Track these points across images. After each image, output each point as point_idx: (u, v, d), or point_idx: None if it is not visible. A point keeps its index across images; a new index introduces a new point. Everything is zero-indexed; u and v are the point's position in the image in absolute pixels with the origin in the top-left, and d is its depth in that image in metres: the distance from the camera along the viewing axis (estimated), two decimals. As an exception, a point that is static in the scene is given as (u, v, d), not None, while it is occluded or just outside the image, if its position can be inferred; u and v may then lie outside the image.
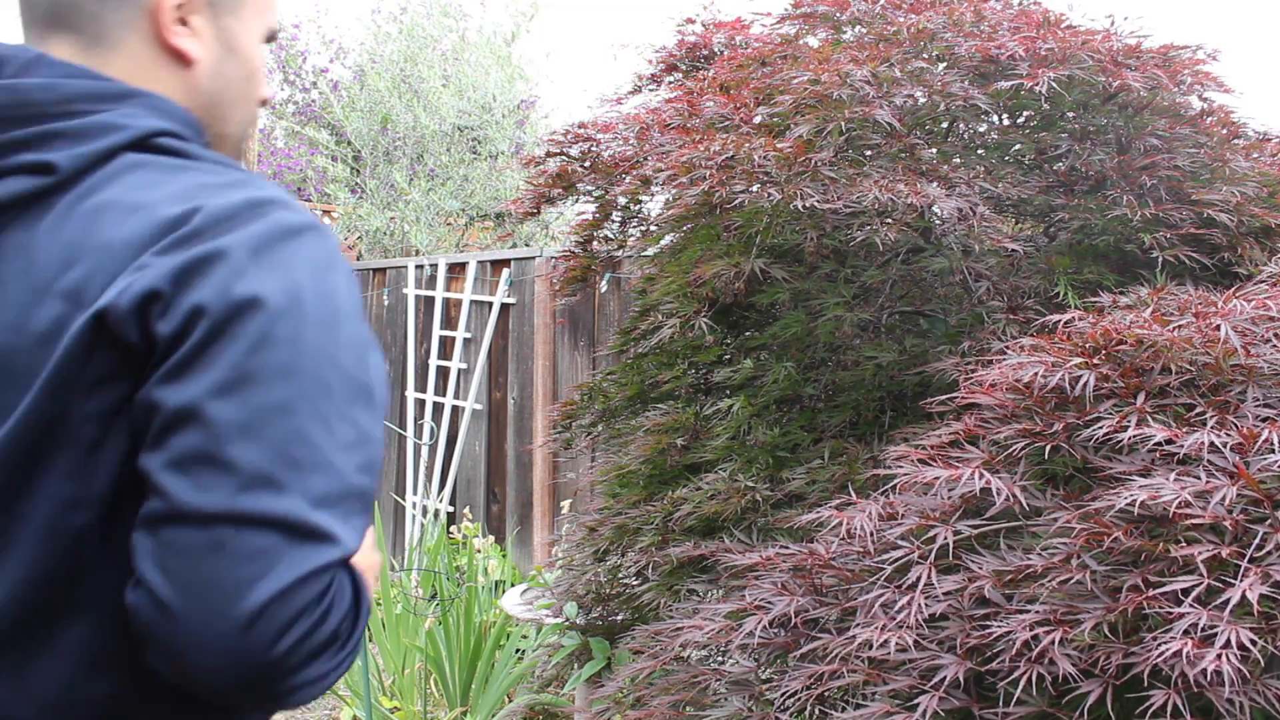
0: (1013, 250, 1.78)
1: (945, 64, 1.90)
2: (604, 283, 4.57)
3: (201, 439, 0.71)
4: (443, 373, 5.56)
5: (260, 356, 0.73)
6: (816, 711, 1.45)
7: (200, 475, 0.70)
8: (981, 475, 1.27)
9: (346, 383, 0.78)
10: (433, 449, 5.49)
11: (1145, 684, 1.04)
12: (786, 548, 1.50)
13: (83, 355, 0.73)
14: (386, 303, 5.93)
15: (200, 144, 0.88)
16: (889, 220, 1.75)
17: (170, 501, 0.70)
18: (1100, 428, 1.23)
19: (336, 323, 0.79)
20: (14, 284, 0.77)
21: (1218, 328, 1.28)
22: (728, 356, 2.34)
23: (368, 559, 0.89)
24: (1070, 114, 1.96)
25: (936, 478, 1.30)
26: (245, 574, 0.70)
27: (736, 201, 1.70)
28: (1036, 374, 1.32)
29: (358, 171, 7.46)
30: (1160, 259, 1.72)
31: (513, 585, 4.00)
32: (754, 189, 1.70)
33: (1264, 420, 1.18)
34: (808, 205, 1.64)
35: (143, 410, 0.73)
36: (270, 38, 0.98)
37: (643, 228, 2.50)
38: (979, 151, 2.06)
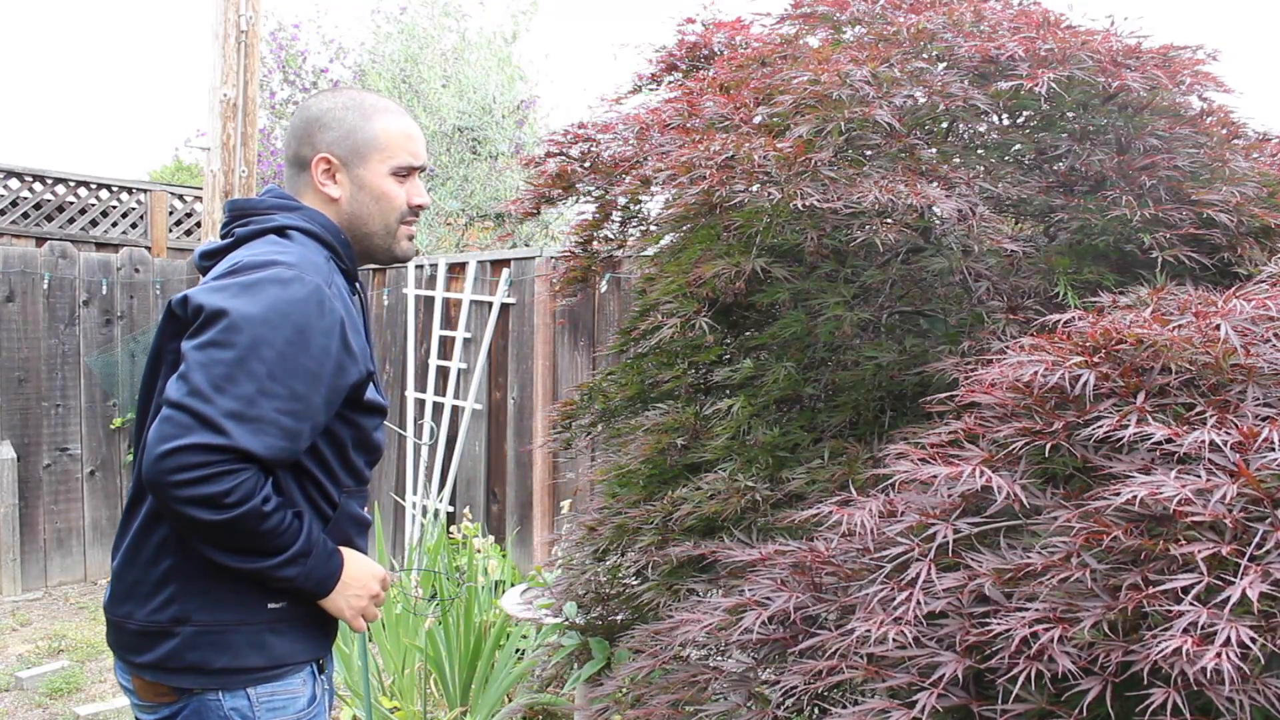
0: (1012, 250, 1.78)
1: (945, 64, 1.90)
2: (604, 283, 4.57)
3: (183, 367, 1.39)
4: (443, 373, 5.56)
5: (222, 336, 1.39)
6: (815, 708, 1.44)
7: (176, 382, 1.38)
8: (982, 473, 1.27)
9: (285, 364, 1.40)
10: (433, 449, 5.49)
11: (1145, 682, 1.04)
12: (786, 545, 1.50)
13: (169, 320, 1.51)
14: (386, 303, 5.93)
15: (334, 240, 1.60)
16: (889, 220, 1.75)
17: (165, 391, 1.41)
18: (1100, 426, 1.24)
19: (285, 330, 1.42)
20: None
21: (1218, 327, 1.29)
22: (728, 356, 2.34)
23: (358, 574, 1.57)
24: (1070, 114, 1.96)
25: (936, 475, 1.30)
26: (167, 431, 1.35)
27: (736, 201, 1.70)
28: (1036, 373, 1.33)
29: (358, 172, 7.47)
30: (1160, 259, 1.72)
31: (513, 585, 4.00)
32: (754, 189, 1.71)
33: (1264, 419, 1.19)
34: (807, 205, 1.64)
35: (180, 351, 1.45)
36: (402, 172, 1.64)
37: (643, 228, 2.50)
38: (979, 152, 2.06)
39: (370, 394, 1.57)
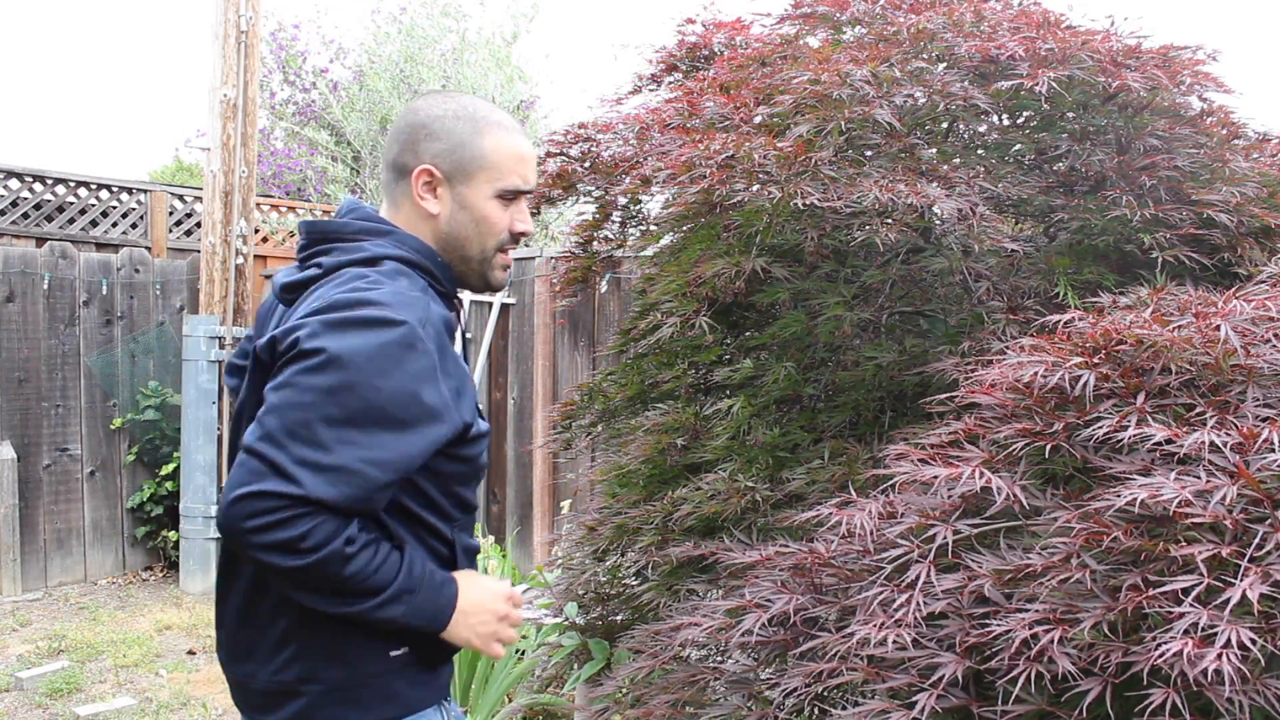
0: (1013, 250, 1.78)
1: (945, 64, 1.90)
2: (604, 283, 4.57)
3: (262, 409, 1.29)
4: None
5: (301, 378, 1.28)
6: (815, 710, 1.44)
7: (254, 426, 1.29)
8: (981, 474, 1.27)
9: (369, 411, 1.29)
10: (432, 449, 5.49)
11: (1145, 683, 1.04)
12: (786, 546, 1.49)
13: (257, 369, 1.41)
14: (386, 303, 5.93)
15: (429, 264, 1.47)
16: (889, 220, 1.75)
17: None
18: (1100, 427, 1.23)
19: (368, 376, 1.29)
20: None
21: (1218, 328, 1.28)
22: (728, 356, 2.34)
23: (477, 598, 1.45)
24: (1070, 114, 1.96)
25: (936, 476, 1.30)
26: (241, 477, 1.26)
27: (736, 200, 1.70)
28: (1036, 374, 1.32)
29: (358, 171, 7.45)
30: (1160, 259, 1.72)
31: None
32: (754, 188, 1.70)
33: (1264, 420, 1.18)
34: (808, 204, 1.64)
35: None
36: (508, 194, 1.48)
37: (643, 228, 2.50)
38: (979, 151, 2.06)
39: (474, 428, 1.44)
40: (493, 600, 1.47)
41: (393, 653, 1.42)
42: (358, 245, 1.43)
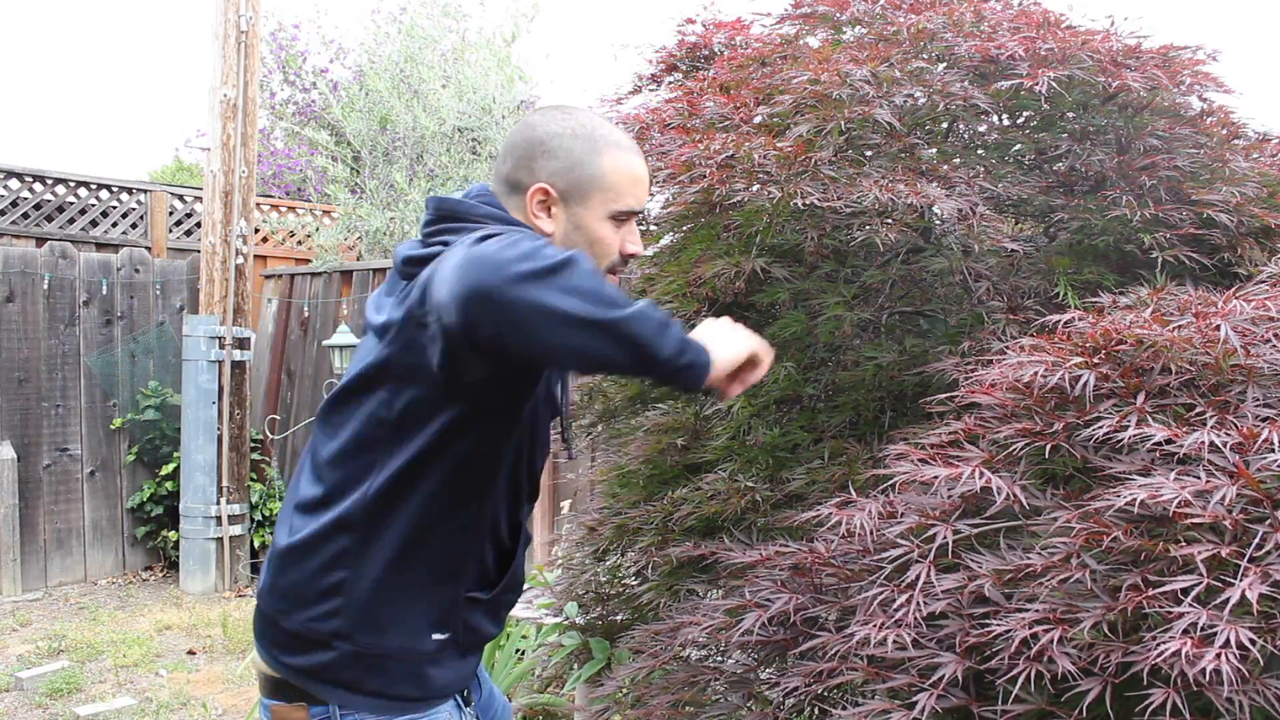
0: (1013, 250, 1.78)
1: (945, 64, 1.90)
2: (604, 283, 4.56)
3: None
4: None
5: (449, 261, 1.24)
6: (815, 710, 1.44)
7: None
8: (981, 474, 1.27)
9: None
10: (432, 449, 5.49)
11: (1145, 683, 1.04)
12: (786, 546, 1.49)
13: (416, 311, 1.33)
14: (386, 303, 5.92)
15: None
16: (889, 220, 1.75)
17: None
18: (1100, 427, 1.23)
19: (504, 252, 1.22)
20: None
21: (1218, 328, 1.29)
22: (728, 356, 2.33)
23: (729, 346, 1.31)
24: (1070, 114, 1.96)
25: (936, 476, 1.30)
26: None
27: (736, 200, 1.70)
28: (1036, 374, 1.32)
29: (358, 171, 7.46)
30: (1160, 259, 1.72)
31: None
32: (754, 188, 1.70)
33: (1264, 420, 1.18)
34: (807, 203, 1.64)
35: None
36: (621, 216, 1.45)
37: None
38: (979, 151, 2.06)
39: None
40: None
41: (435, 636, 1.42)
42: (480, 228, 1.37)
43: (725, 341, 1.32)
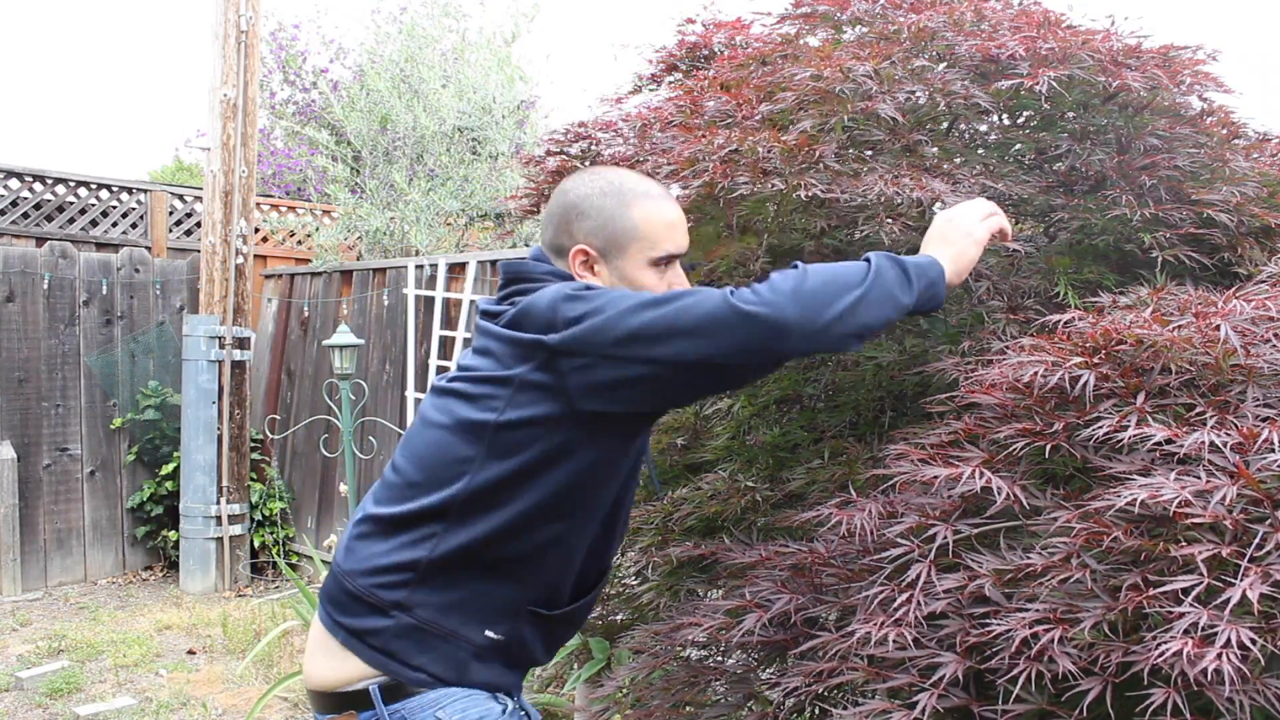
0: (1013, 250, 1.78)
1: (946, 63, 1.90)
2: (604, 283, 4.56)
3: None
4: (443, 373, 5.55)
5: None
6: (816, 710, 1.44)
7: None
8: (981, 474, 1.27)
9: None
10: (432, 449, 5.48)
11: (1145, 682, 1.04)
12: (786, 546, 1.49)
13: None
14: (386, 303, 5.93)
15: None
16: (889, 219, 1.75)
17: None
18: (1100, 427, 1.23)
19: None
20: None
21: (1218, 328, 1.28)
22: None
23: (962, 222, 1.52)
24: (1070, 114, 1.96)
25: (936, 476, 1.30)
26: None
27: (739, 194, 1.69)
28: (1036, 374, 1.32)
29: (358, 171, 7.45)
30: (1160, 259, 1.72)
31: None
32: (756, 185, 1.70)
33: (1264, 420, 1.18)
34: (811, 195, 1.64)
35: None
36: (661, 261, 1.51)
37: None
38: (979, 150, 2.06)
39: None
40: (966, 213, 1.53)
41: (488, 632, 1.47)
42: (543, 284, 1.51)
43: (958, 247, 1.50)
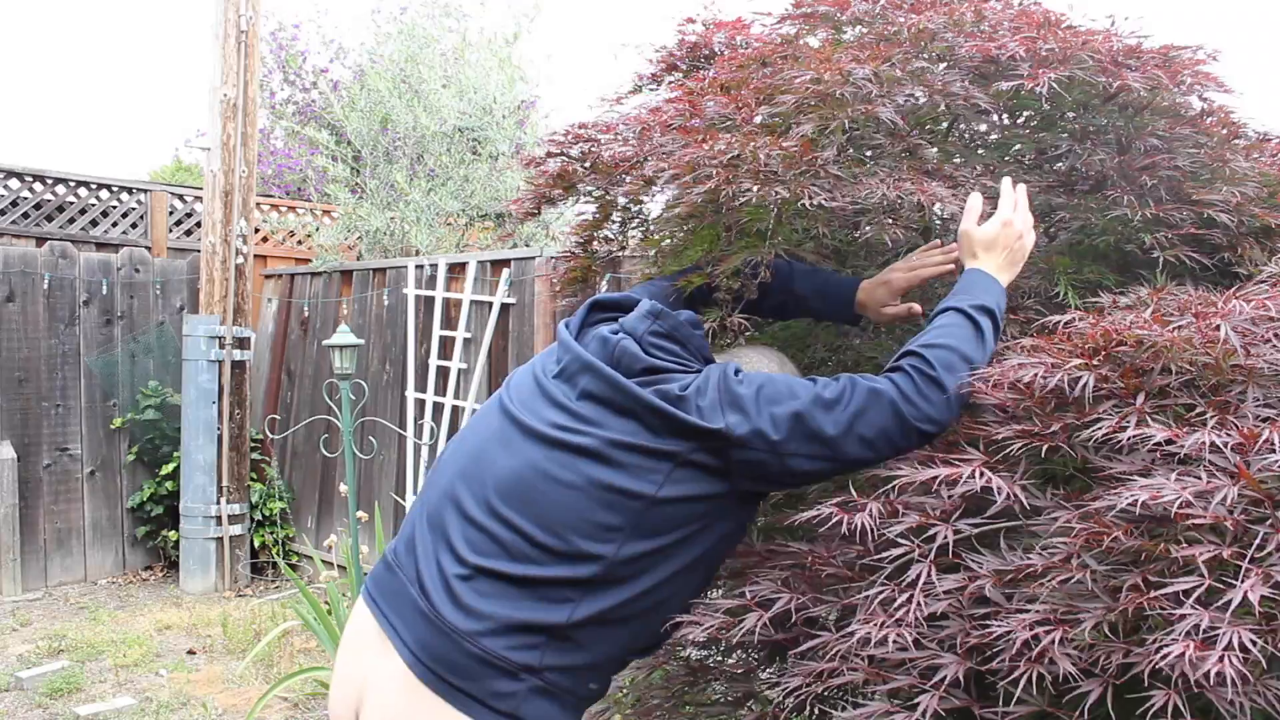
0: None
1: (946, 64, 1.90)
2: (604, 283, 4.56)
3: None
4: (443, 373, 5.55)
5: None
6: (816, 710, 1.44)
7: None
8: (981, 474, 1.27)
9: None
10: (433, 449, 5.49)
11: (1146, 684, 1.04)
12: (786, 545, 1.49)
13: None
14: (386, 303, 5.92)
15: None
16: (889, 221, 1.75)
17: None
18: (1100, 428, 1.23)
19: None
20: None
21: (1218, 328, 1.28)
22: (728, 356, 2.33)
23: (993, 238, 1.67)
24: (1070, 114, 1.96)
25: (936, 477, 1.29)
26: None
27: (743, 201, 1.69)
28: (1036, 374, 1.32)
29: (358, 171, 7.45)
30: (1160, 259, 1.72)
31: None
32: (758, 189, 1.70)
33: (1264, 420, 1.18)
34: (815, 203, 1.64)
35: None
36: None
37: (643, 229, 2.49)
38: (980, 151, 2.06)
39: None
40: (995, 230, 1.65)
41: (591, 685, 1.48)
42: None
43: (1001, 277, 1.63)
